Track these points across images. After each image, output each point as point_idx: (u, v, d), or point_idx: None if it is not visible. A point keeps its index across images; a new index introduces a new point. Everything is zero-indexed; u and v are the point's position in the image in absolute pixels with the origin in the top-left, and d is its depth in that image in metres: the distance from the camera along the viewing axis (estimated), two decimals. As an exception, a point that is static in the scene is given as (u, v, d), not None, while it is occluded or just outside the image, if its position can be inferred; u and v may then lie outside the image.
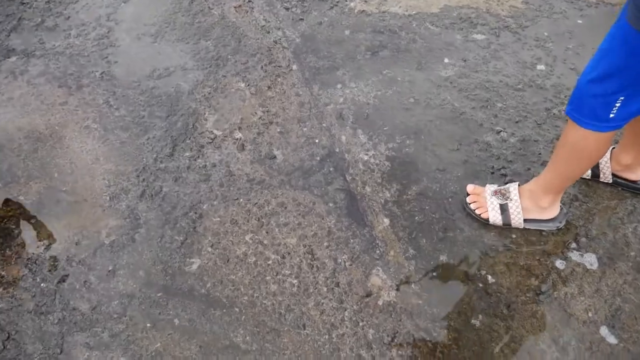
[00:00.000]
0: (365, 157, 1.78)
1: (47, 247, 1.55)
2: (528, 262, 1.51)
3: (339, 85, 2.01)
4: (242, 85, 2.02)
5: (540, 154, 1.76)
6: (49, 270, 1.51)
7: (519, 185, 1.57)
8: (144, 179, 1.72)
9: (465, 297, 1.45)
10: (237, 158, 1.78)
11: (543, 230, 1.57)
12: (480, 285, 1.47)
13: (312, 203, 1.66)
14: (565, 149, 1.35)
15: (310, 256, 1.53)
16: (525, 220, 1.54)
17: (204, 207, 1.65)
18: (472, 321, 1.41)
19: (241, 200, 1.67)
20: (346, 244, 1.56)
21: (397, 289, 1.46)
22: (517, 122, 1.86)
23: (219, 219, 1.62)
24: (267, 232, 1.59)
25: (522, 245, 1.55)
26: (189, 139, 1.84)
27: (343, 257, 1.53)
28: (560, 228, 1.56)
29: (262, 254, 1.53)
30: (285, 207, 1.65)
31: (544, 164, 1.73)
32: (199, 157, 1.78)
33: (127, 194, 1.68)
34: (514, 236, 1.56)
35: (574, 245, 1.54)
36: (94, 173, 1.75)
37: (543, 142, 1.79)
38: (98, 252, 1.55)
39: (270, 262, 1.52)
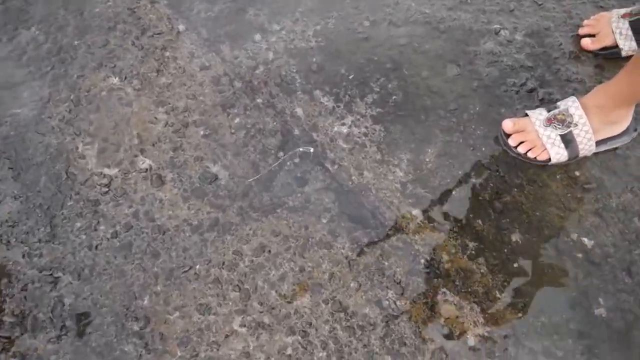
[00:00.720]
0: (344, 129, 1.20)
1: None
2: (620, 198, 1.09)
3: (257, 36, 1.35)
4: (116, 80, 1.29)
5: (561, 44, 1.29)
6: None
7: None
8: (25, 297, 1.02)
9: (569, 280, 1.01)
10: (161, 200, 1.12)
11: (617, 148, 1.14)
12: (580, 255, 1.03)
13: (303, 227, 1.08)
14: None
15: (342, 314, 0.98)
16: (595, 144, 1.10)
17: (145, 302, 1.01)
18: (595, 311, 0.98)
19: (198, 267, 1.04)
20: (381, 272, 1.03)
21: (482, 311, 0.98)
22: (511, 10, 1.35)
23: (177, 313, 1.00)
24: (261, 303, 1.00)
25: (601, 179, 1.11)
26: (71, 199, 1.13)
27: (387, 294, 1.00)
28: (635, 137, 1.15)
29: (273, 342, 0.96)
30: (269, 251, 1.06)
31: (571, 56, 1.27)
32: (99, 222, 1.10)
33: (12, 330, 0.99)
34: (577, 173, 1.12)
35: (659, 152, 1.13)
36: None
37: (557, 28, 1.32)
38: None
39: (289, 351, 0.95)
